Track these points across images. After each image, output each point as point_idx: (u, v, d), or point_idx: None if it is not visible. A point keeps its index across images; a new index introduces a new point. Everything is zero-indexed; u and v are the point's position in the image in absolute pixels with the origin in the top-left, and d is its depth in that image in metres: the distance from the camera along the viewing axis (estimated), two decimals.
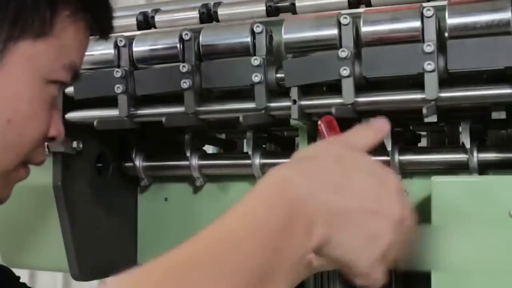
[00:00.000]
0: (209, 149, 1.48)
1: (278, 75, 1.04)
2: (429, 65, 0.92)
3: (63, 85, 0.84)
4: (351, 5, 1.06)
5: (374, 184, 0.68)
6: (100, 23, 0.87)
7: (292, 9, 1.11)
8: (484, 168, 1.03)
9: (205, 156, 1.24)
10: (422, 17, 0.94)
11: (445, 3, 0.94)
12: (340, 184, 0.66)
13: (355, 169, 0.68)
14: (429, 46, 0.92)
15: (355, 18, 0.98)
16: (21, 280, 1.06)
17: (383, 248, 0.67)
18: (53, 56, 0.79)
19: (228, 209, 0.63)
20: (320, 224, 0.63)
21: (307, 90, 1.03)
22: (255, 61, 1.02)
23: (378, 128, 0.77)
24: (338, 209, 0.65)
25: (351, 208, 0.65)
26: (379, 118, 0.77)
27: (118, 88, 1.10)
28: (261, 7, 1.14)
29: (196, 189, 1.25)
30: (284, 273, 0.62)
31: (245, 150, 1.16)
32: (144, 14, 1.22)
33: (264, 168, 1.14)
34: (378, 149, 1.09)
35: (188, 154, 1.20)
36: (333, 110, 0.98)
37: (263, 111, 1.04)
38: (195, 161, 1.20)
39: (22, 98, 0.78)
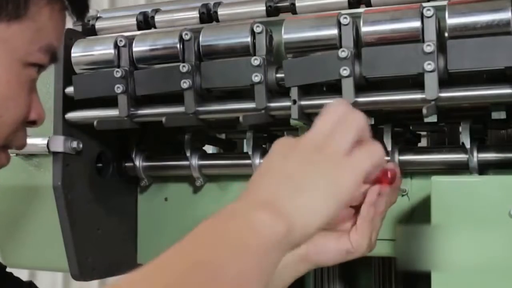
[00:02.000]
0: (209, 149, 1.48)
1: (278, 75, 1.04)
2: (429, 65, 0.92)
3: (41, 67, 0.85)
4: (351, 5, 1.06)
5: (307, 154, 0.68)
6: (75, 4, 0.87)
7: (292, 9, 1.11)
8: (484, 168, 1.03)
9: (205, 156, 1.24)
10: (422, 17, 0.94)
11: (445, 3, 0.94)
12: (285, 171, 0.67)
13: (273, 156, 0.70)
14: (429, 46, 0.92)
15: (355, 18, 0.98)
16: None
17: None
18: (29, 38, 0.79)
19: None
20: (267, 215, 0.62)
21: (307, 90, 1.03)
22: (255, 61, 1.02)
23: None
24: (282, 192, 0.64)
25: (294, 173, 0.65)
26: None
27: (118, 88, 1.10)
28: (261, 7, 1.14)
29: (196, 189, 1.25)
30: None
31: (245, 150, 1.16)
32: (144, 14, 1.22)
33: None
34: None
35: (188, 154, 1.20)
36: None
37: (263, 111, 1.04)
38: (195, 161, 1.20)
39: (0, 81, 0.79)
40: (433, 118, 0.96)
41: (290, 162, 0.67)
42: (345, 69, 0.96)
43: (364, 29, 0.96)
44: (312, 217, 0.64)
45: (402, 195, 1.11)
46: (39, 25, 0.80)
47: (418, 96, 0.96)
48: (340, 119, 0.71)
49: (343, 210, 0.75)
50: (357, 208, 0.81)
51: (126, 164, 1.29)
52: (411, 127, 1.26)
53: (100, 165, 1.27)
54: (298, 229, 0.63)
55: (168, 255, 0.60)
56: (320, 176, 0.65)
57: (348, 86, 0.98)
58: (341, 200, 0.65)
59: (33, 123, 0.87)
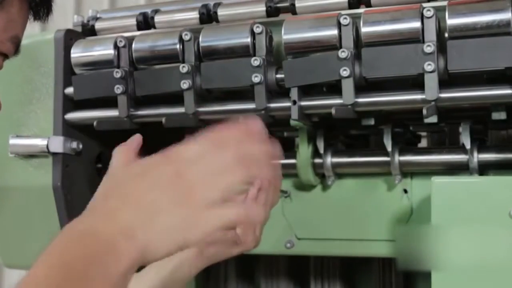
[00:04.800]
0: None
1: (278, 76, 1.04)
2: (429, 66, 0.92)
3: (6, 57, 0.86)
4: (351, 6, 1.06)
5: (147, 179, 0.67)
6: (40, 5, 0.88)
7: (292, 9, 1.11)
8: (484, 168, 1.03)
9: None
10: (422, 17, 0.94)
11: (445, 3, 0.94)
12: (124, 199, 0.66)
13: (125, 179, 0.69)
14: (429, 47, 0.92)
15: (355, 18, 0.98)
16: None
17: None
18: (1, 27, 0.82)
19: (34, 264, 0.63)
20: (124, 240, 0.63)
21: (307, 91, 1.03)
22: (255, 61, 1.02)
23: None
24: (133, 222, 0.64)
25: (146, 211, 0.65)
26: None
27: (118, 89, 1.10)
28: (261, 8, 1.14)
29: None
30: None
31: None
32: (144, 14, 1.22)
33: None
34: (378, 150, 1.09)
35: None
36: (333, 111, 0.98)
37: (263, 112, 1.04)
38: None
39: None
40: (433, 119, 0.96)
41: (160, 182, 0.66)
42: (345, 70, 0.96)
43: (364, 29, 0.96)
44: (163, 247, 0.65)
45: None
46: (10, 16, 0.83)
47: (418, 96, 0.96)
48: (228, 155, 0.68)
49: None
50: None
51: None
52: (411, 128, 1.26)
53: (99, 165, 1.27)
54: (149, 255, 0.64)
55: (33, 282, 0.61)
56: (180, 213, 0.65)
57: (348, 86, 0.97)
58: (189, 242, 0.66)
59: None
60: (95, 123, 1.13)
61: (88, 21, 1.28)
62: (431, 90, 0.93)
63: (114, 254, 0.62)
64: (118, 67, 1.12)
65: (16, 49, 0.86)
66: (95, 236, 0.63)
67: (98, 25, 1.27)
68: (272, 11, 1.13)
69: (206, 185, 0.66)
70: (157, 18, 1.21)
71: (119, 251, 0.62)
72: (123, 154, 0.74)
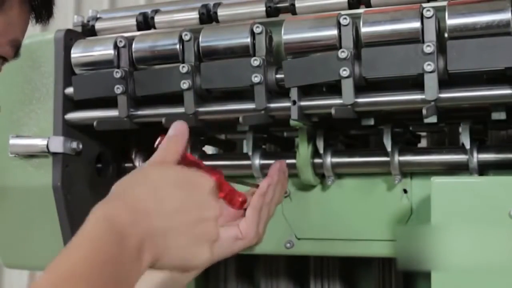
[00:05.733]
0: (209, 149, 1.48)
1: (278, 76, 1.04)
2: (429, 66, 0.92)
3: (5, 60, 0.87)
4: (351, 6, 1.06)
5: (185, 193, 0.73)
6: (42, 8, 0.89)
7: (292, 9, 1.11)
8: (484, 168, 1.04)
9: (205, 156, 1.23)
10: (422, 17, 0.94)
11: (445, 3, 0.94)
12: (156, 206, 0.70)
13: (165, 187, 0.72)
14: (429, 47, 0.92)
15: (355, 18, 0.98)
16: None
17: (212, 242, 0.75)
18: (0, 30, 0.82)
19: (59, 255, 0.64)
20: (146, 247, 0.67)
21: (306, 91, 1.03)
22: (255, 61, 1.02)
23: (178, 134, 0.79)
24: (159, 230, 0.69)
25: (171, 225, 0.70)
26: (176, 122, 0.81)
27: (118, 89, 1.10)
28: (261, 8, 1.14)
29: None
30: None
31: (245, 151, 1.16)
32: (144, 14, 1.22)
33: (263, 168, 1.14)
34: (378, 150, 1.09)
35: None
36: (333, 111, 0.98)
37: (262, 112, 1.04)
38: None
39: None
40: (433, 119, 0.96)
41: (183, 200, 0.72)
42: (344, 70, 0.96)
43: (364, 29, 0.96)
44: (172, 260, 0.71)
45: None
46: (10, 20, 0.83)
47: (418, 96, 0.96)
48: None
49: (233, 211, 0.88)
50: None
51: (126, 165, 1.29)
52: (411, 128, 1.26)
53: (99, 165, 1.27)
54: (158, 264, 0.70)
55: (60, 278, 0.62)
56: (191, 236, 0.72)
57: (348, 86, 0.98)
58: (194, 263, 0.73)
59: None
60: (95, 123, 1.13)
61: (88, 21, 1.28)
62: (431, 90, 0.93)
63: (138, 261, 0.66)
64: (118, 67, 1.12)
65: (16, 52, 0.86)
66: (123, 236, 0.65)
67: (98, 25, 1.27)
68: (272, 11, 1.13)
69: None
70: (157, 18, 1.21)
71: (142, 258, 0.66)
72: (169, 149, 0.77)
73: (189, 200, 0.72)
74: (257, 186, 0.94)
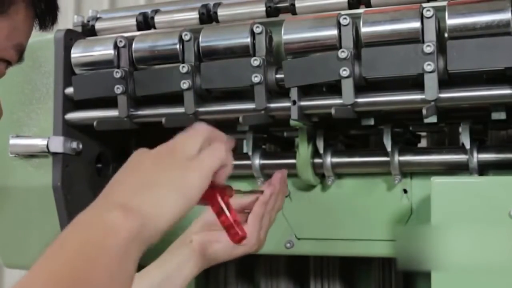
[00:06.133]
0: None
1: (278, 76, 1.04)
2: (429, 66, 0.92)
3: (9, 64, 0.86)
4: (351, 6, 1.06)
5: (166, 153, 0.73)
6: (46, 15, 0.89)
7: (292, 9, 1.11)
8: (484, 168, 1.04)
9: None
10: (422, 17, 0.94)
11: (445, 3, 0.94)
12: (143, 178, 0.70)
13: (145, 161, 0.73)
14: (429, 47, 0.92)
15: (355, 18, 0.98)
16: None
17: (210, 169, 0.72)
18: (6, 34, 0.82)
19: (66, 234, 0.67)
20: (119, 216, 0.66)
21: (306, 91, 1.03)
22: (255, 61, 1.02)
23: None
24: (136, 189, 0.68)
25: (149, 180, 0.70)
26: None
27: (118, 89, 1.10)
28: (261, 8, 1.14)
29: None
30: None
31: (245, 151, 1.16)
32: (144, 14, 1.22)
33: (263, 168, 1.14)
34: (378, 150, 1.09)
35: None
36: (333, 111, 0.98)
37: (262, 112, 1.04)
38: None
39: None
40: (433, 119, 0.96)
41: (142, 166, 0.72)
42: (344, 70, 0.96)
43: (364, 29, 0.96)
44: (162, 212, 0.68)
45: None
46: (15, 24, 0.83)
47: (418, 96, 0.96)
48: (190, 132, 0.76)
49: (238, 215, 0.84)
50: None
51: None
52: (411, 128, 1.26)
53: (99, 165, 1.27)
54: (150, 223, 0.67)
55: (34, 274, 0.64)
56: (168, 176, 0.70)
57: (347, 86, 0.98)
58: (189, 196, 0.70)
59: None
60: (95, 123, 1.13)
61: (88, 21, 1.28)
62: (431, 90, 0.93)
63: (110, 229, 0.64)
64: (118, 67, 1.12)
65: (20, 56, 0.86)
66: (92, 221, 0.67)
67: (98, 25, 1.27)
68: (272, 11, 1.13)
69: (184, 145, 0.73)
70: (157, 18, 1.22)
71: (114, 226, 0.64)
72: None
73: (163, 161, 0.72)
74: (261, 192, 0.95)
